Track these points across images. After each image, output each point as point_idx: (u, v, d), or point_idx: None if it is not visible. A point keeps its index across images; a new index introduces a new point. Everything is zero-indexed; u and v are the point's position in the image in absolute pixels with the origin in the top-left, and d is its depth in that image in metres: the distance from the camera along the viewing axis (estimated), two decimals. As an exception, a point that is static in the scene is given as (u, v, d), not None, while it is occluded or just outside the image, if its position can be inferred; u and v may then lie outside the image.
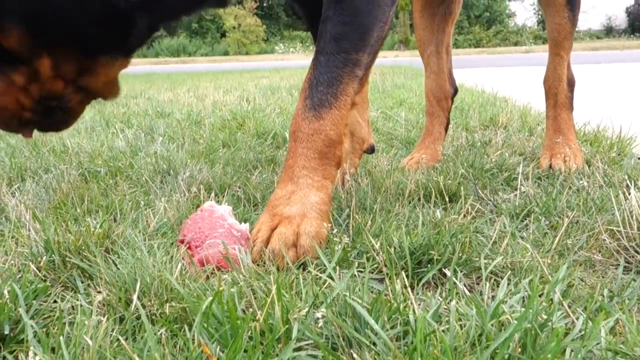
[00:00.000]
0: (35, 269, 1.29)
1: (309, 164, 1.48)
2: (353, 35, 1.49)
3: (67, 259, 1.31)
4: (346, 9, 1.49)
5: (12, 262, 1.35)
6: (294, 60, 23.16)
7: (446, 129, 2.62)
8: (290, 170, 1.49)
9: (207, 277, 1.27)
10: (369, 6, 1.51)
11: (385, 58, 15.54)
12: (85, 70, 1.36)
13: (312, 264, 1.33)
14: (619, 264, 1.34)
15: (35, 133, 1.52)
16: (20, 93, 1.33)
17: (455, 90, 2.65)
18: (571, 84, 2.44)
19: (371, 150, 2.07)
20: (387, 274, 1.25)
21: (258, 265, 1.34)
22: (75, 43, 1.31)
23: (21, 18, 1.22)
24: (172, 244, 1.45)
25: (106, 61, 1.38)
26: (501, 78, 8.57)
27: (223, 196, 1.88)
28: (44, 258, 1.31)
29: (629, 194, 1.58)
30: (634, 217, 1.47)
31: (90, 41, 1.33)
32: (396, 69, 10.26)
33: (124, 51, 1.41)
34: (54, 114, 1.42)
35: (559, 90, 2.40)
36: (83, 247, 1.34)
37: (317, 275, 1.24)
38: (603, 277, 1.32)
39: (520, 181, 1.97)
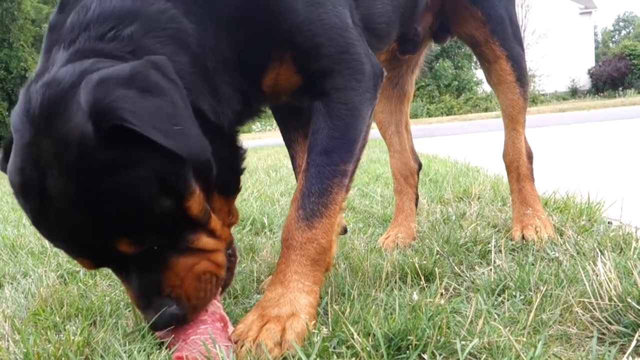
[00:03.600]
0: (14, 383, 1.28)
1: (301, 270, 1.54)
2: (342, 149, 1.61)
3: (46, 371, 1.30)
4: (336, 124, 1.61)
5: (-8, 377, 1.34)
6: (271, 137, 23.50)
7: (416, 204, 2.69)
8: (281, 275, 1.55)
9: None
10: (355, 120, 1.63)
11: (360, 131, 15.82)
12: (230, 208, 1.55)
13: (293, 357, 1.34)
14: (593, 336, 1.36)
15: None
16: (211, 255, 1.45)
17: (420, 165, 2.73)
18: (529, 155, 2.53)
19: (344, 231, 2.12)
20: (367, 364, 1.26)
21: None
22: (224, 188, 1.49)
23: (195, 174, 1.34)
24: (152, 345, 1.45)
25: (237, 191, 1.59)
26: (474, 145, 8.79)
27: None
28: (24, 371, 1.31)
29: (601, 263, 1.62)
30: (604, 288, 1.51)
31: (230, 182, 1.53)
32: (372, 142, 10.45)
33: (241, 172, 1.61)
34: (232, 263, 1.59)
35: (520, 163, 2.49)
36: (63, 358, 1.34)
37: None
38: (581, 350, 1.34)
39: (495, 254, 2.02)
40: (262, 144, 14.91)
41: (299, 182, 1.61)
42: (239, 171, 1.59)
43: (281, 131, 2.11)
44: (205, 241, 1.42)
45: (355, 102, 1.63)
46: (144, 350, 1.40)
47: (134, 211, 1.26)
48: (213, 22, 1.46)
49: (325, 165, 1.58)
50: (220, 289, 1.54)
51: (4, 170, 1.39)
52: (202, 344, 1.35)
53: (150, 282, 1.38)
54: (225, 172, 1.47)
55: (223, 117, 1.47)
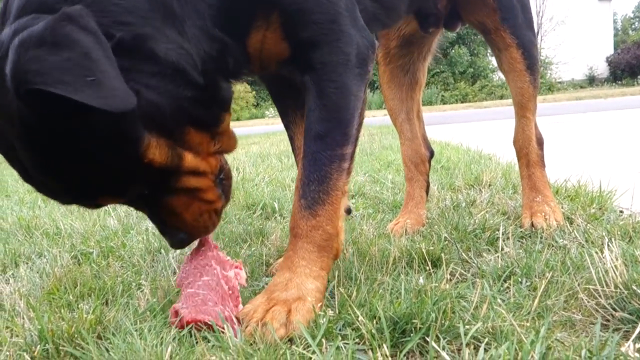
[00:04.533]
0: (29, 359, 1.32)
1: (308, 256, 1.56)
2: (336, 132, 1.59)
3: (60, 347, 1.34)
4: (326, 105, 1.59)
5: (7, 353, 1.38)
6: (285, 124, 23.41)
7: (427, 191, 2.70)
8: (289, 261, 1.57)
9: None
10: (346, 100, 1.60)
11: (374, 117, 15.80)
12: (216, 137, 1.52)
13: (300, 338, 1.36)
14: (597, 322, 1.37)
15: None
16: (200, 193, 1.49)
17: (432, 153, 2.74)
18: (540, 142, 2.52)
19: (348, 211, 2.12)
20: (371, 346, 1.28)
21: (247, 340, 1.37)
22: (197, 125, 1.44)
23: (146, 124, 1.31)
24: (162, 324, 1.49)
25: (221, 122, 1.54)
26: (487, 132, 8.75)
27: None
28: (38, 347, 1.35)
29: (608, 250, 1.63)
30: (610, 275, 1.52)
31: (204, 118, 1.47)
32: (384, 128, 10.43)
33: (224, 108, 1.55)
34: (227, 187, 1.62)
35: (530, 149, 2.48)
36: (76, 335, 1.38)
37: (303, 352, 1.27)
38: (585, 336, 1.36)
39: (503, 242, 2.03)
40: (275, 129, 14.93)
41: (299, 171, 1.62)
42: (215, 107, 1.51)
43: (279, 113, 2.11)
44: (187, 180, 1.44)
45: (344, 79, 1.60)
46: (154, 329, 1.43)
47: (96, 172, 1.27)
48: None
49: (321, 151, 1.57)
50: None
51: None
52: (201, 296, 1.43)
53: (155, 216, 1.49)
54: (195, 109, 1.42)
55: (192, 58, 1.41)
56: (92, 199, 1.37)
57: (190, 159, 1.42)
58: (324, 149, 1.57)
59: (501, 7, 2.36)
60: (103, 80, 1.15)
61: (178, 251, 2.20)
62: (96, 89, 1.13)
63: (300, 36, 1.58)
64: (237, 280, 1.60)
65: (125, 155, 1.28)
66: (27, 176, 1.31)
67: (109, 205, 3.49)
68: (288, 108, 2.07)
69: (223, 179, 1.58)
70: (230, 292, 1.54)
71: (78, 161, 1.24)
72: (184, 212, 1.48)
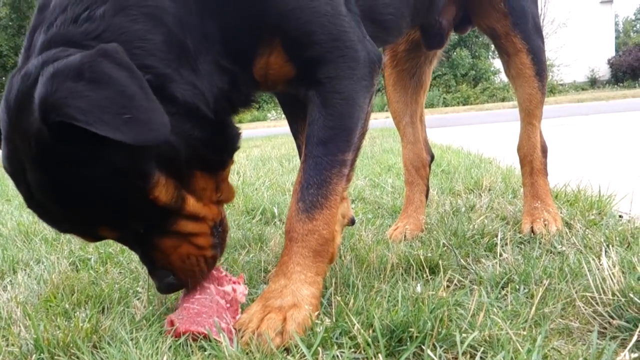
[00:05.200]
0: (24, 368, 1.32)
1: (304, 262, 1.56)
2: (338, 139, 1.60)
3: (56, 356, 1.34)
4: (331, 114, 1.60)
5: (2, 362, 1.38)
6: (286, 126, 23.43)
7: (427, 196, 2.69)
8: (284, 266, 1.57)
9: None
10: (350, 109, 1.62)
11: (376, 120, 15.79)
12: (219, 185, 1.55)
13: (296, 347, 1.36)
14: (594, 330, 1.37)
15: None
16: (193, 238, 1.50)
17: (432, 157, 2.73)
18: (544, 150, 2.52)
19: (352, 222, 2.13)
20: (367, 355, 1.28)
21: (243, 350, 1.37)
22: (205, 169, 1.49)
23: (159, 162, 1.35)
24: (159, 333, 1.49)
25: (226, 167, 1.58)
26: (489, 135, 8.74)
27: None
28: (34, 357, 1.35)
29: (606, 257, 1.63)
30: (607, 283, 1.52)
31: (212, 162, 1.51)
32: (386, 131, 10.42)
33: (231, 151, 1.59)
34: (223, 239, 1.63)
35: (534, 157, 2.48)
36: (71, 344, 1.38)
37: (298, 361, 1.27)
38: (582, 344, 1.35)
39: (501, 248, 2.03)
40: (277, 132, 14.95)
41: (298, 174, 1.62)
42: (225, 151, 1.57)
43: (288, 122, 2.13)
44: (185, 225, 1.46)
45: (350, 90, 1.62)
46: (150, 338, 1.43)
47: (101, 203, 1.30)
48: (198, 3, 1.45)
49: (322, 155, 1.58)
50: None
51: None
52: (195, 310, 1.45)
53: (146, 255, 1.50)
54: (205, 152, 1.46)
55: (204, 96, 1.45)
56: (90, 229, 1.39)
57: (192, 203, 1.46)
58: (325, 154, 1.58)
59: (512, 12, 2.35)
60: (138, 117, 1.19)
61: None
62: (131, 126, 1.17)
63: (304, 56, 1.60)
64: (235, 294, 1.59)
65: (133, 189, 1.31)
66: (31, 200, 1.33)
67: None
68: (297, 117, 2.08)
69: (220, 231, 1.60)
70: (228, 305, 1.54)
71: (87, 188, 1.27)
72: (174, 253, 1.49)
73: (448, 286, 1.72)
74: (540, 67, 2.43)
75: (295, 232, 1.56)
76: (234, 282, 1.62)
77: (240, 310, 1.56)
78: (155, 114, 1.22)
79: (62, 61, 1.22)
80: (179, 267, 1.50)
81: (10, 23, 39.01)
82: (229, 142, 1.57)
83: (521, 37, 2.38)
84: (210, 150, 1.48)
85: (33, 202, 1.33)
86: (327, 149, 1.58)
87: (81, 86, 1.16)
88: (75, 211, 1.31)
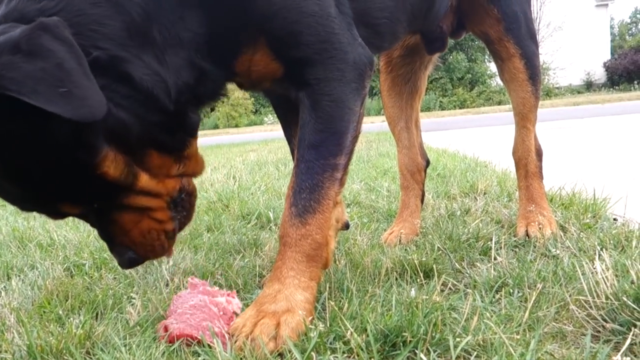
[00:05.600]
0: (17, 375, 1.31)
1: (297, 266, 1.56)
2: (329, 142, 1.60)
3: (48, 363, 1.33)
4: (321, 117, 1.59)
5: (-5, 369, 1.37)
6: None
7: (422, 200, 2.70)
8: (278, 272, 1.57)
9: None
10: (341, 112, 1.61)
11: (372, 123, 15.80)
12: (180, 161, 1.53)
13: (289, 352, 1.36)
14: (588, 334, 1.37)
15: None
16: (151, 213, 1.49)
17: (427, 162, 2.74)
18: (539, 153, 2.52)
19: (346, 227, 2.13)
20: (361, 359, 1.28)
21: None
22: (160, 148, 1.47)
23: (107, 137, 1.33)
24: (152, 339, 1.48)
25: (187, 147, 1.55)
26: (484, 139, 8.76)
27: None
28: (26, 363, 1.34)
29: (599, 261, 1.63)
30: (601, 286, 1.52)
31: (169, 143, 1.49)
32: (382, 135, 10.43)
33: (191, 134, 1.56)
34: (185, 208, 1.61)
35: (529, 161, 2.49)
36: (64, 351, 1.37)
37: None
38: (575, 347, 1.35)
39: (496, 251, 2.03)
40: (273, 136, 14.92)
41: (291, 179, 1.62)
42: (184, 132, 1.53)
43: (282, 126, 2.13)
44: (138, 200, 1.45)
45: (339, 92, 1.61)
46: (144, 344, 1.43)
47: (52, 178, 1.30)
48: None
49: (314, 160, 1.58)
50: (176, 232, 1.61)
51: None
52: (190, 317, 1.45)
53: (105, 231, 1.49)
54: (160, 135, 1.44)
55: (166, 85, 1.43)
56: (49, 206, 1.40)
57: (145, 179, 1.44)
58: (317, 158, 1.58)
59: (505, 17, 2.37)
60: (74, 91, 1.17)
61: (171, 262, 2.20)
62: (67, 100, 1.16)
63: (291, 56, 1.59)
64: (229, 305, 1.59)
65: (81, 162, 1.30)
66: None
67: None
68: (291, 122, 2.08)
69: (183, 199, 1.59)
70: (222, 313, 1.53)
71: (36, 165, 1.27)
72: (131, 228, 1.48)
73: (442, 290, 1.72)
74: (533, 71, 2.45)
75: (289, 237, 1.56)
76: (228, 295, 1.62)
77: (234, 318, 1.56)
78: (91, 91, 1.21)
79: (4, 36, 1.21)
80: (138, 242, 1.50)
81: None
82: (186, 127, 1.54)
83: (514, 41, 2.40)
84: (166, 134, 1.46)
85: None
86: (318, 153, 1.58)
87: (17, 58, 1.15)
88: (30, 188, 1.31)
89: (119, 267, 2.25)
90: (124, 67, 1.34)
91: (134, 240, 1.50)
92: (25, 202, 1.39)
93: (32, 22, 1.24)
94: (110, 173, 1.34)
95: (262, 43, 1.56)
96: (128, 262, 1.54)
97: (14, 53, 1.16)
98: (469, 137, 9.56)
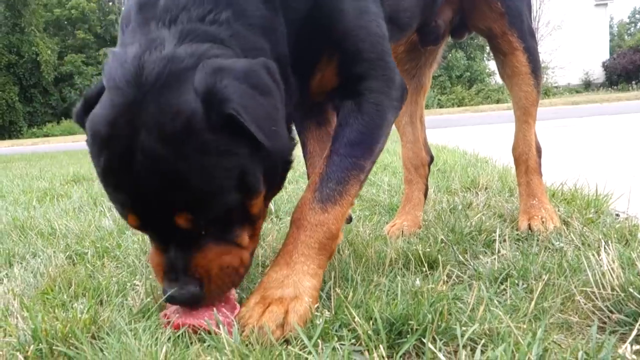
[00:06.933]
0: (22, 358, 1.31)
1: (308, 252, 1.57)
2: (365, 145, 1.67)
3: (54, 347, 1.33)
4: (366, 121, 1.68)
5: (0, 353, 1.36)
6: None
7: (425, 195, 2.70)
8: (287, 256, 1.57)
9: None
10: (382, 122, 1.71)
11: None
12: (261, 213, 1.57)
13: (296, 339, 1.35)
14: (593, 325, 1.37)
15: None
16: (241, 251, 1.51)
17: (432, 158, 2.74)
18: (539, 150, 2.53)
19: (349, 220, 2.14)
20: (367, 347, 1.28)
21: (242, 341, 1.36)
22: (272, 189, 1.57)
23: (265, 179, 1.47)
24: (157, 325, 1.48)
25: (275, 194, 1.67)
26: (484, 136, 8.77)
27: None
28: (32, 347, 1.33)
29: (605, 253, 1.63)
30: (607, 278, 1.52)
31: (277, 182, 1.61)
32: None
33: (289, 161, 1.65)
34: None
35: (529, 156, 2.49)
36: (70, 335, 1.37)
37: (299, 353, 1.26)
38: (581, 338, 1.35)
39: (499, 244, 2.03)
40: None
41: (320, 167, 1.65)
42: (288, 168, 1.65)
43: (297, 131, 2.14)
44: (244, 238, 1.48)
45: (385, 105, 1.71)
46: (149, 329, 1.42)
47: (207, 194, 1.34)
48: (285, 18, 1.56)
49: (348, 156, 1.64)
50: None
51: (79, 120, 1.45)
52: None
53: (183, 258, 1.43)
54: (282, 172, 1.57)
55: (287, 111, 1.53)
56: (170, 208, 1.36)
57: (261, 221, 1.55)
58: (351, 155, 1.64)
59: (509, 11, 2.40)
60: (281, 132, 1.41)
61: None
62: (277, 139, 1.37)
63: (352, 72, 1.70)
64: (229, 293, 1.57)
65: (242, 193, 1.39)
66: (116, 168, 1.34)
67: (103, 206, 3.49)
68: (304, 116, 2.12)
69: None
70: (224, 302, 1.52)
71: (201, 178, 1.31)
72: (215, 261, 1.45)
73: (446, 281, 1.72)
74: (535, 65, 2.46)
75: (306, 221, 1.58)
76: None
77: (238, 306, 1.55)
78: (284, 129, 1.42)
79: (224, 60, 1.34)
80: (214, 273, 1.45)
81: (4, 21, 38.88)
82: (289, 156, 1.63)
83: (517, 35, 2.41)
84: (284, 169, 1.60)
85: (119, 167, 1.32)
86: (353, 151, 1.65)
87: (245, 88, 1.31)
88: (173, 188, 1.31)
89: (118, 255, 2.25)
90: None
91: (212, 273, 1.45)
92: (145, 199, 1.35)
93: (222, 42, 1.41)
94: (255, 207, 1.46)
95: (335, 59, 1.67)
96: (190, 297, 1.44)
97: (241, 82, 1.31)
98: (468, 134, 9.57)
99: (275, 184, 1.56)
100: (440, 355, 1.21)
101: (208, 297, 1.46)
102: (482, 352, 1.24)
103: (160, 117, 1.28)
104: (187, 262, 1.43)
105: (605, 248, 1.71)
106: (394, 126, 1.95)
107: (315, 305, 1.48)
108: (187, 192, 1.31)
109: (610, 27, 50.75)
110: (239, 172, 1.35)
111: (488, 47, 2.63)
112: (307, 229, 1.57)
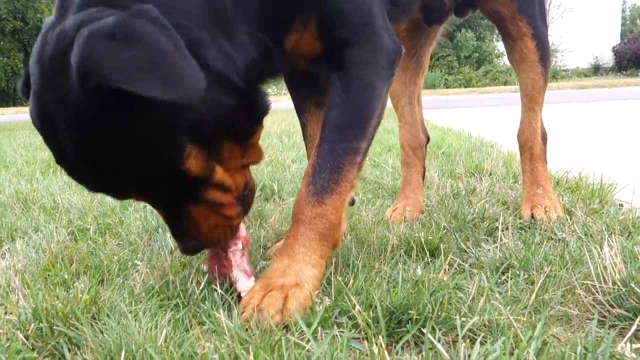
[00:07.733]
0: (23, 337, 1.32)
1: (309, 244, 1.56)
2: (355, 126, 1.60)
3: (54, 326, 1.34)
4: (350, 100, 1.60)
5: (1, 330, 1.37)
6: (286, 102, 23.27)
7: (423, 177, 2.68)
8: (289, 248, 1.57)
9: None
10: (369, 97, 1.62)
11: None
12: (246, 150, 1.53)
13: (295, 325, 1.36)
14: (593, 318, 1.37)
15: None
16: (221, 209, 1.50)
17: (428, 139, 2.72)
18: (544, 137, 2.50)
19: (352, 203, 2.13)
20: (366, 336, 1.28)
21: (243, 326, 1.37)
22: (233, 137, 1.46)
23: (190, 134, 1.34)
24: (158, 307, 1.49)
25: (254, 134, 1.55)
26: (490, 119, 8.71)
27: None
28: (32, 326, 1.34)
29: (608, 246, 1.62)
30: (608, 271, 1.51)
31: (241, 129, 1.49)
32: (387, 111, 10.35)
33: (260, 119, 1.56)
34: (249, 201, 1.63)
35: (534, 143, 2.46)
36: (70, 315, 1.37)
37: (298, 340, 1.27)
38: (581, 332, 1.35)
39: (502, 232, 2.02)
40: (277, 107, 14.80)
41: (311, 157, 1.61)
42: (253, 118, 1.54)
43: (292, 99, 2.11)
44: (213, 194, 1.45)
45: (372, 78, 1.62)
46: (150, 311, 1.43)
47: (133, 171, 1.30)
48: None
49: (337, 141, 1.58)
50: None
51: (23, 93, 1.42)
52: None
53: (173, 219, 1.49)
54: (235, 119, 1.44)
55: (236, 65, 1.43)
56: (119, 193, 1.41)
57: (220, 173, 1.45)
58: (341, 140, 1.58)
59: None
60: (173, 74, 1.18)
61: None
62: (166, 83, 1.16)
63: (334, 36, 1.60)
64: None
65: (165, 159, 1.32)
66: (62, 159, 1.32)
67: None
68: (303, 96, 2.07)
69: (246, 195, 1.59)
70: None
71: (120, 155, 1.27)
72: (201, 222, 1.49)
73: (448, 269, 1.71)
74: (544, 52, 2.42)
75: (303, 215, 1.56)
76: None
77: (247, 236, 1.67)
78: (190, 70, 1.21)
79: (97, 22, 1.19)
80: (205, 235, 1.51)
81: (8, -14, 38.61)
82: (257, 110, 1.55)
83: (527, 21, 2.36)
84: (239, 119, 1.46)
85: (63, 160, 1.32)
86: (342, 135, 1.58)
87: (115, 45, 1.14)
88: (107, 175, 1.31)
89: (120, 232, 2.26)
90: (201, 52, 1.32)
91: (202, 232, 1.50)
92: (97, 185, 1.37)
93: (119, 6, 1.25)
94: (192, 170, 1.36)
95: (313, 20, 1.56)
96: (191, 249, 1.56)
97: (110, 40, 1.15)
98: (474, 117, 9.51)
99: (227, 132, 1.43)
100: (439, 346, 1.21)
101: (207, 247, 1.58)
102: (481, 344, 1.24)
103: (58, 108, 1.24)
104: (176, 222, 1.50)
105: (608, 241, 1.71)
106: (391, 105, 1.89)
107: (316, 293, 1.49)
108: (114, 173, 1.30)
109: (623, 11, 50.13)
110: (149, 143, 1.27)
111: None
112: (306, 222, 1.56)
